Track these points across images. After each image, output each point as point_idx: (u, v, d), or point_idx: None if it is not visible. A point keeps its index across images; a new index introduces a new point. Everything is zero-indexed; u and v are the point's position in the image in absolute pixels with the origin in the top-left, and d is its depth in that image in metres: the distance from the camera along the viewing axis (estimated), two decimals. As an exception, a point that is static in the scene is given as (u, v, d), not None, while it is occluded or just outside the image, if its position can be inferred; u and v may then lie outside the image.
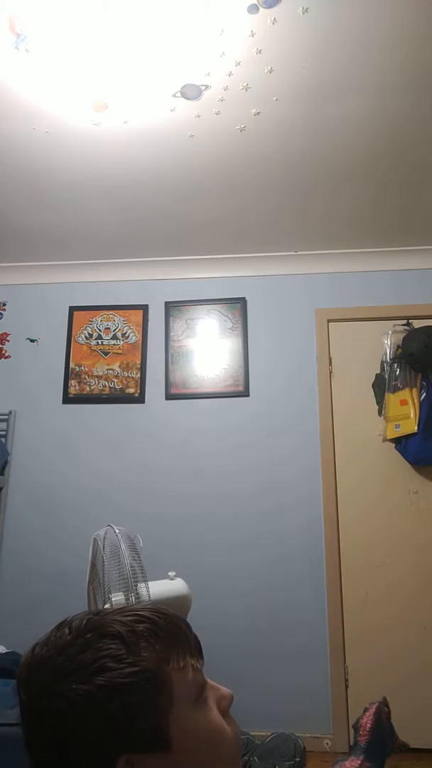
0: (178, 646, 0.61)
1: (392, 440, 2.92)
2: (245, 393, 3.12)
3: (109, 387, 3.22)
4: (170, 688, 0.58)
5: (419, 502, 2.89)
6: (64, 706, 0.55)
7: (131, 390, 3.21)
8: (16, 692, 0.60)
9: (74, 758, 0.55)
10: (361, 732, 0.96)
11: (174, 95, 2.03)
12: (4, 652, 2.55)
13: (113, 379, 3.23)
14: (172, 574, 2.04)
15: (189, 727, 0.58)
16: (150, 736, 0.56)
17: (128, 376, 3.23)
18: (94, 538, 1.97)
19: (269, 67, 1.91)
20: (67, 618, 0.63)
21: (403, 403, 2.88)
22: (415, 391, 2.88)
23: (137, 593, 1.78)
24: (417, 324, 3.02)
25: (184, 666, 0.60)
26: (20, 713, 0.59)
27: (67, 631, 0.60)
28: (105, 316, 3.33)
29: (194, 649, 0.63)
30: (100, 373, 3.25)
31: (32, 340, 3.35)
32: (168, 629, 0.61)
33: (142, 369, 3.22)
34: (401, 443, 2.88)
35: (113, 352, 3.27)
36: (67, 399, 3.23)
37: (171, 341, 3.24)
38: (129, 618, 0.61)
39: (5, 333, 3.38)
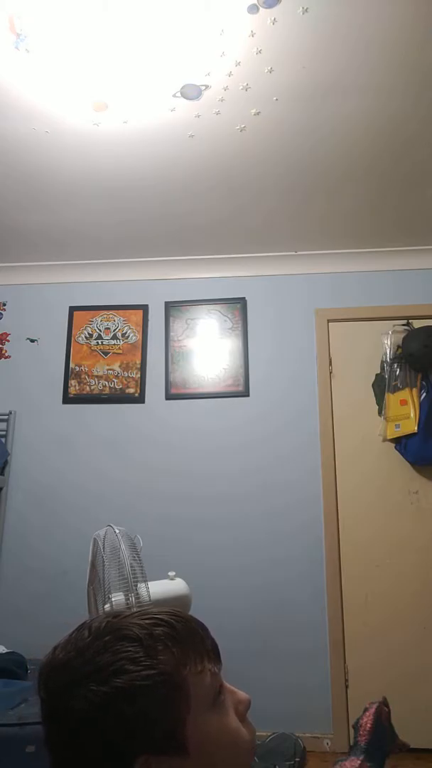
0: (195, 651, 0.62)
1: (392, 440, 2.92)
2: (245, 393, 3.12)
3: (109, 387, 3.22)
4: (187, 692, 0.58)
5: (419, 502, 2.89)
6: (83, 707, 0.56)
7: (131, 390, 3.21)
8: (36, 690, 0.62)
9: (92, 757, 0.56)
10: (360, 732, 0.96)
11: (174, 95, 2.03)
12: (4, 652, 2.55)
13: (113, 379, 3.23)
14: (172, 574, 2.04)
15: (205, 731, 0.59)
16: (167, 738, 0.56)
17: (128, 376, 3.23)
18: (94, 538, 1.97)
19: (269, 67, 1.91)
20: (87, 620, 0.64)
21: (403, 403, 2.88)
22: (415, 391, 2.88)
23: (137, 593, 1.78)
24: (417, 324, 3.02)
25: (201, 670, 0.61)
26: (41, 712, 0.60)
27: (86, 633, 0.61)
28: (105, 316, 3.33)
29: (212, 653, 0.64)
30: (100, 373, 3.25)
31: (32, 340, 3.35)
32: (185, 633, 0.62)
33: (142, 369, 3.22)
34: (401, 443, 2.88)
35: (113, 352, 3.27)
36: (67, 399, 3.23)
37: (171, 341, 3.24)
38: (147, 621, 0.62)
39: (5, 333, 3.38)
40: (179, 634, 0.61)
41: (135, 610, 0.66)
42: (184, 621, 0.64)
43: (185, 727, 0.57)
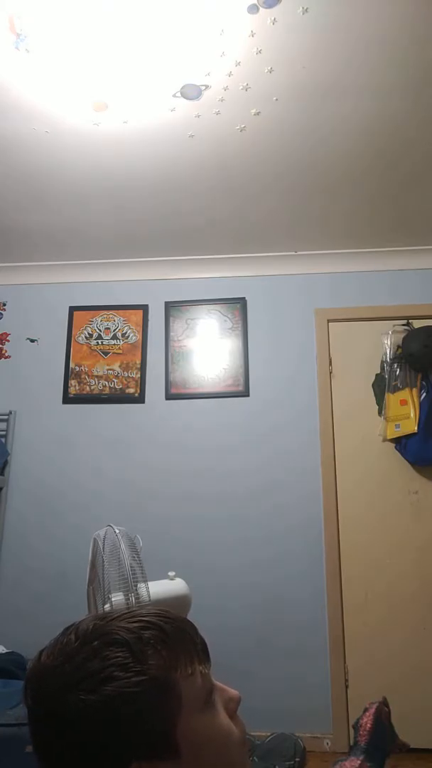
0: (185, 653, 0.61)
1: (392, 440, 2.92)
2: (245, 393, 3.12)
3: (109, 387, 3.22)
4: (178, 695, 0.58)
5: (419, 502, 2.89)
6: (73, 716, 0.55)
7: (131, 390, 3.21)
8: (23, 697, 0.60)
9: (83, 764, 0.55)
10: (360, 732, 0.96)
11: (174, 95, 2.03)
12: (4, 652, 2.56)
13: (113, 379, 3.23)
14: (171, 574, 2.03)
15: (197, 732, 0.58)
16: (159, 742, 0.56)
17: (128, 376, 3.23)
18: (94, 538, 1.97)
19: (269, 67, 1.91)
20: (74, 623, 0.63)
21: (403, 403, 2.88)
22: (415, 391, 2.88)
23: (137, 593, 1.78)
24: (417, 324, 3.02)
25: (192, 672, 0.60)
26: (28, 720, 0.59)
27: (73, 637, 0.60)
28: (105, 316, 3.33)
29: (201, 653, 0.63)
30: (100, 373, 3.25)
31: (32, 340, 3.35)
32: (175, 636, 0.61)
33: (142, 369, 3.22)
34: (401, 443, 2.88)
35: (113, 352, 3.27)
36: (67, 399, 3.23)
37: (171, 341, 3.24)
38: (135, 624, 0.60)
39: (5, 333, 3.38)
40: (168, 636, 0.60)
41: (123, 611, 0.64)
42: (173, 622, 0.62)
43: (177, 730, 0.56)
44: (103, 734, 0.54)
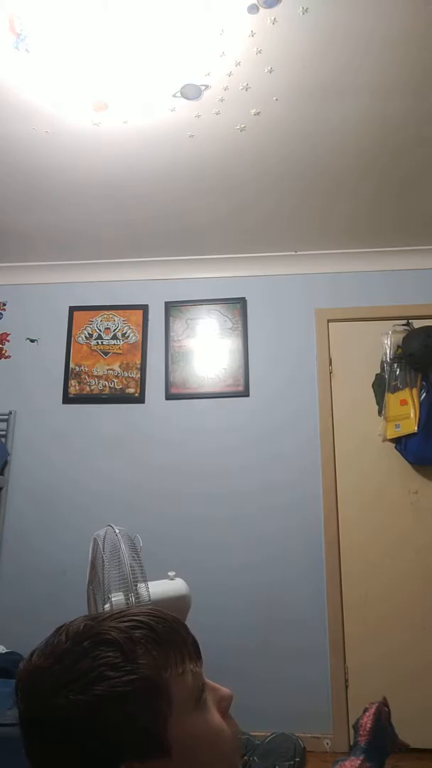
0: (176, 652, 0.60)
1: (392, 440, 2.92)
2: (245, 393, 3.12)
3: (109, 387, 3.22)
4: (169, 695, 0.58)
5: (419, 502, 2.89)
6: (63, 717, 0.55)
7: (131, 390, 3.21)
8: (14, 697, 0.60)
9: (73, 765, 0.55)
10: (360, 732, 0.96)
11: (174, 95, 2.03)
12: (4, 652, 2.55)
13: (113, 379, 3.23)
14: (171, 574, 2.04)
15: (189, 732, 0.58)
16: (150, 742, 0.56)
17: (128, 376, 3.23)
18: (94, 538, 1.97)
19: (269, 67, 1.91)
20: (65, 623, 0.63)
21: (403, 403, 2.88)
22: (415, 391, 2.88)
23: (137, 593, 1.78)
24: (417, 324, 3.02)
25: (182, 672, 0.60)
26: (19, 721, 0.59)
27: (64, 638, 0.60)
28: (105, 316, 3.33)
29: (193, 652, 0.63)
30: (100, 373, 3.25)
31: (32, 340, 3.35)
32: (165, 635, 0.61)
33: (142, 369, 3.22)
34: (401, 443, 2.88)
35: (113, 352, 3.27)
36: (67, 399, 3.23)
37: (171, 341, 3.24)
38: (126, 624, 0.60)
39: (5, 333, 3.38)
40: (159, 636, 0.60)
41: (115, 611, 0.65)
42: (164, 621, 0.62)
43: (168, 730, 0.56)
44: (93, 735, 0.54)
